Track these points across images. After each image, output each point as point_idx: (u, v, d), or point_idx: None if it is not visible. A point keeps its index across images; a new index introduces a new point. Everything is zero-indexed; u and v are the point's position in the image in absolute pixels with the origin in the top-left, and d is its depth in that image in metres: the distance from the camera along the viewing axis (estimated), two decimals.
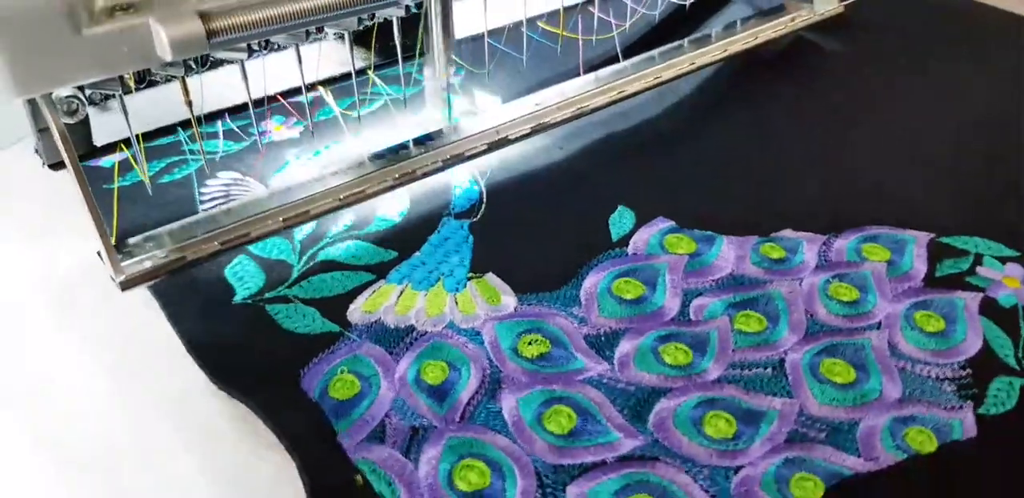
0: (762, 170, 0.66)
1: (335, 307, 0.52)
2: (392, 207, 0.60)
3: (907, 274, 0.56)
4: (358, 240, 0.57)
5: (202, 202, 0.60)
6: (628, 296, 0.53)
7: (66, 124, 0.42)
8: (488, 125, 0.60)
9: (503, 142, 0.59)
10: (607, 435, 0.45)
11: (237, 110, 0.68)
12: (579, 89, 0.64)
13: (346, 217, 0.59)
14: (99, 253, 0.47)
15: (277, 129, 0.68)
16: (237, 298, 0.53)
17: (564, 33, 0.66)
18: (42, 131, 0.45)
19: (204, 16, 0.37)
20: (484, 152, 0.59)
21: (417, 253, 0.56)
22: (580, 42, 0.68)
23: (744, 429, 0.46)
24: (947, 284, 0.55)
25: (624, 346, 0.50)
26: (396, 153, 0.57)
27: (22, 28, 0.34)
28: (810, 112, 0.73)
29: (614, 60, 0.68)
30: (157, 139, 0.66)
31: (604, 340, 0.51)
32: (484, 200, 0.61)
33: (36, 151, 0.61)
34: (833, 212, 0.61)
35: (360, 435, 0.45)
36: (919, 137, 0.70)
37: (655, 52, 0.69)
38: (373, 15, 0.46)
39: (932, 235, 0.59)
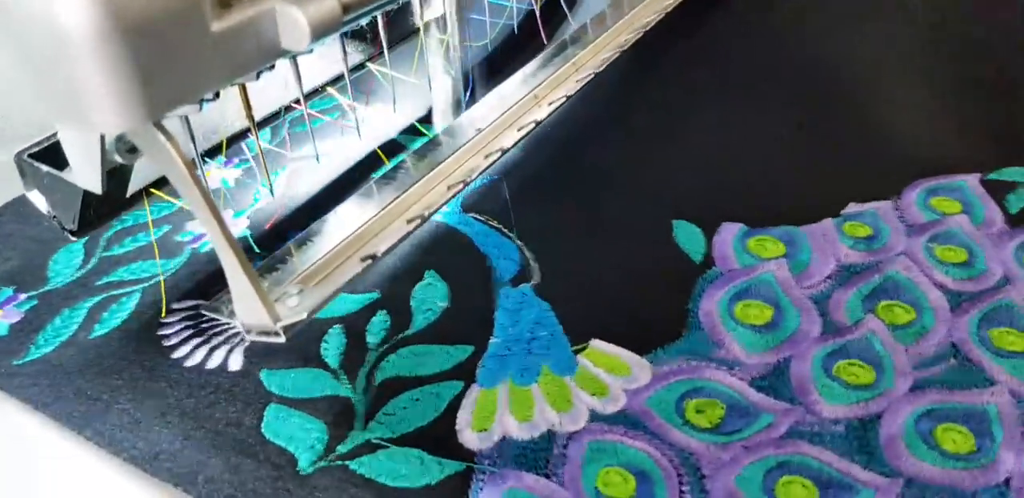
0: (777, 149, 0.60)
1: (440, 437, 0.40)
2: (427, 292, 0.48)
3: (988, 219, 0.53)
4: (412, 344, 0.45)
5: (172, 349, 0.45)
6: (759, 321, 0.46)
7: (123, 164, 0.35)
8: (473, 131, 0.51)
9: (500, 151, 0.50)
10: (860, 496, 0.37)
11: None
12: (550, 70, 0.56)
13: (379, 317, 0.46)
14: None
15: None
16: (303, 465, 0.39)
17: None
18: (111, 173, 0.35)
19: None
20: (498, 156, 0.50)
21: (494, 339, 0.45)
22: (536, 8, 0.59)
23: (982, 439, 0.39)
24: None
25: (796, 379, 0.42)
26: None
27: (153, 32, 0.26)
28: (784, 84, 0.69)
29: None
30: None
31: (774, 379, 0.42)
32: (529, 256, 0.50)
33: (53, 217, 0.40)
34: (877, 175, 0.57)
35: None
36: (916, 81, 0.68)
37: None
38: None
39: (979, 175, 0.57)
